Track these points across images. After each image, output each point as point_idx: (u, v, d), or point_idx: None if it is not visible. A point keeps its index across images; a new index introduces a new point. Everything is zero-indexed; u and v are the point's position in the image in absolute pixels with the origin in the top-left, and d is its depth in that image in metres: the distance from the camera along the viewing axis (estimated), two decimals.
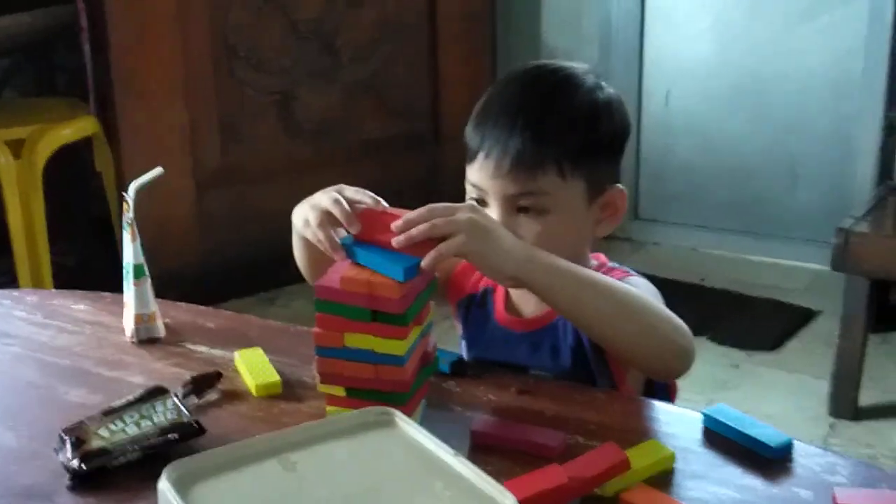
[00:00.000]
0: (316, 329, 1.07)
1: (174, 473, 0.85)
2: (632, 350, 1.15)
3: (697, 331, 2.99)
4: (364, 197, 1.16)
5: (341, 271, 1.06)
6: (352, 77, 3.56)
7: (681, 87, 3.81)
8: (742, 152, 3.73)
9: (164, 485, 0.84)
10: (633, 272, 1.31)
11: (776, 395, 2.73)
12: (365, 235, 1.11)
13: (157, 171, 1.35)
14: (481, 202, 1.24)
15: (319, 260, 1.20)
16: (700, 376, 2.74)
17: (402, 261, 1.05)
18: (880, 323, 2.84)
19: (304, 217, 1.17)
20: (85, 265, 3.19)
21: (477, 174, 1.24)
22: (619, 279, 1.24)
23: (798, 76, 3.58)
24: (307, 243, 1.22)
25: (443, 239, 1.07)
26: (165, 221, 3.13)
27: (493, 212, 1.21)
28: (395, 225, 1.08)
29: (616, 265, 1.33)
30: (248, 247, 3.31)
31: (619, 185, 1.29)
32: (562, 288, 1.13)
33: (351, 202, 1.14)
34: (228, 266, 3.30)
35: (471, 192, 1.26)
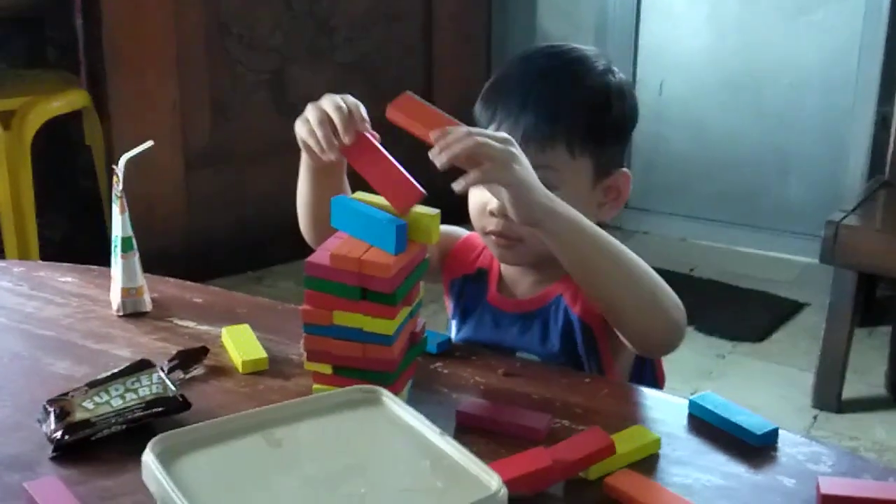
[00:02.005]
0: (304, 306, 1.06)
1: (159, 447, 0.85)
2: (632, 317, 1.16)
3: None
4: (362, 110, 1.14)
5: (332, 248, 1.06)
6: (345, 57, 3.55)
7: (675, 77, 3.81)
8: (734, 144, 3.73)
9: (148, 457, 0.83)
10: None
11: (761, 385, 2.74)
12: (354, 159, 1.11)
13: (148, 144, 1.34)
14: None
15: (319, 202, 1.22)
16: (685, 365, 2.75)
17: (391, 230, 1.04)
18: (867, 317, 2.85)
19: (304, 117, 1.15)
20: (72, 239, 3.17)
21: None
22: None
23: (792, 70, 3.58)
24: (312, 185, 1.24)
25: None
26: (154, 198, 3.12)
27: (502, 191, 1.21)
28: (434, 135, 1.06)
29: None
30: (236, 226, 3.31)
31: (624, 169, 1.29)
32: (580, 243, 1.12)
33: (351, 110, 1.12)
34: (216, 244, 3.29)
35: None
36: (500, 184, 1.07)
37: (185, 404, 1.07)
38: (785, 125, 3.63)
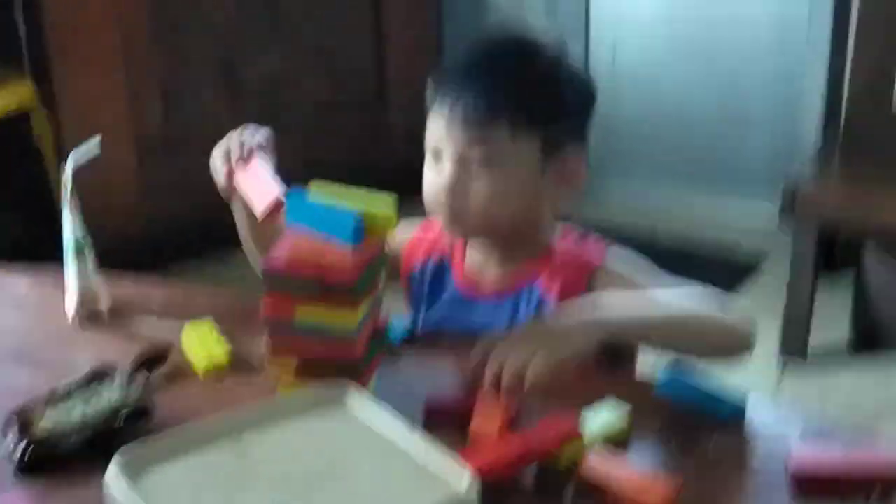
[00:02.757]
0: (264, 305, 1.05)
1: (123, 462, 0.83)
2: (711, 356, 1.20)
3: None
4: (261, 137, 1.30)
5: (288, 246, 1.04)
6: (296, 38, 3.50)
7: (627, 41, 3.80)
8: (689, 105, 3.74)
9: (110, 478, 0.82)
10: (601, 241, 1.32)
11: None
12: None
13: (95, 140, 1.31)
14: (437, 155, 1.24)
15: (262, 237, 1.32)
16: None
17: (348, 222, 1.04)
18: (831, 261, 2.89)
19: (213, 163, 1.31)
20: (28, 235, 3.12)
21: (432, 125, 1.25)
22: (601, 262, 1.28)
23: (745, 23, 3.58)
24: (249, 225, 1.35)
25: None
26: (108, 190, 3.07)
27: (447, 166, 1.22)
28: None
29: (581, 231, 1.33)
30: (193, 213, 3.26)
31: (579, 152, 1.28)
32: (635, 332, 1.18)
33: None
34: (175, 231, 3.25)
35: (428, 149, 1.27)
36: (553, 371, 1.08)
37: (147, 410, 1.05)
38: (739, 80, 3.64)
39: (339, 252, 1.02)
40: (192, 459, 0.85)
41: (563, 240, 1.31)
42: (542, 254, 1.29)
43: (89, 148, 1.30)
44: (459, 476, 0.80)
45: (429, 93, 1.27)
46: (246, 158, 1.27)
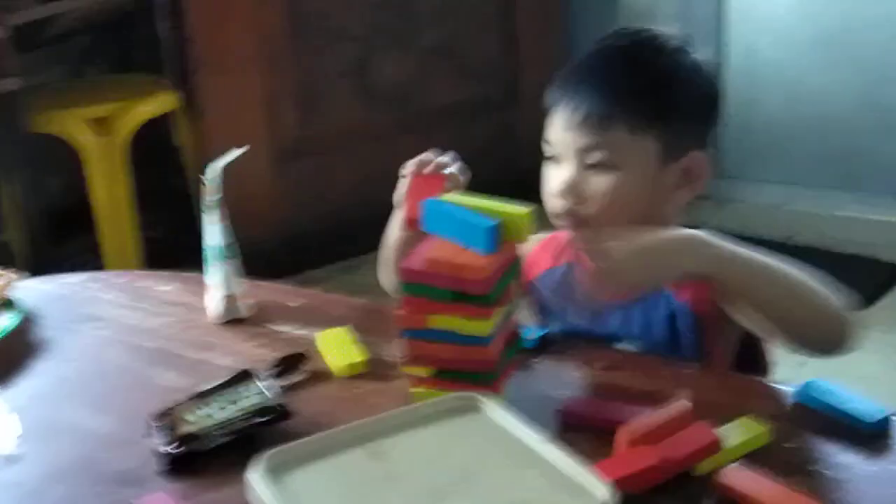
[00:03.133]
0: (399, 311, 1.06)
1: (265, 464, 0.85)
2: (801, 333, 1.16)
3: None
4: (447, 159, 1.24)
5: (425, 253, 1.05)
6: (427, 41, 3.54)
7: (766, 37, 3.71)
8: (831, 104, 3.62)
9: (253, 477, 0.84)
10: None
11: (870, 355, 2.65)
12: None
13: (239, 150, 1.35)
14: (557, 157, 1.25)
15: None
16: None
17: (484, 231, 1.04)
18: None
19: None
20: (172, 238, 3.23)
21: (551, 129, 1.26)
22: None
23: (891, 21, 3.45)
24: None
25: None
26: (245, 193, 3.14)
27: (566, 168, 1.23)
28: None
29: None
30: (327, 216, 3.33)
31: (702, 151, 1.26)
32: (731, 277, 1.14)
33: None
34: (308, 236, 3.32)
35: (547, 151, 1.27)
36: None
37: (285, 413, 1.08)
38: (885, 80, 3.51)
39: (474, 259, 1.03)
40: (331, 463, 0.87)
41: None
42: None
43: (233, 157, 1.33)
44: (598, 487, 0.80)
45: (550, 94, 1.27)
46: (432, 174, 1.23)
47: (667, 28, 1.31)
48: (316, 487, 0.84)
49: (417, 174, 1.22)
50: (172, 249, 2.68)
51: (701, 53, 1.29)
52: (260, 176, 3.23)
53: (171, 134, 3.11)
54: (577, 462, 0.83)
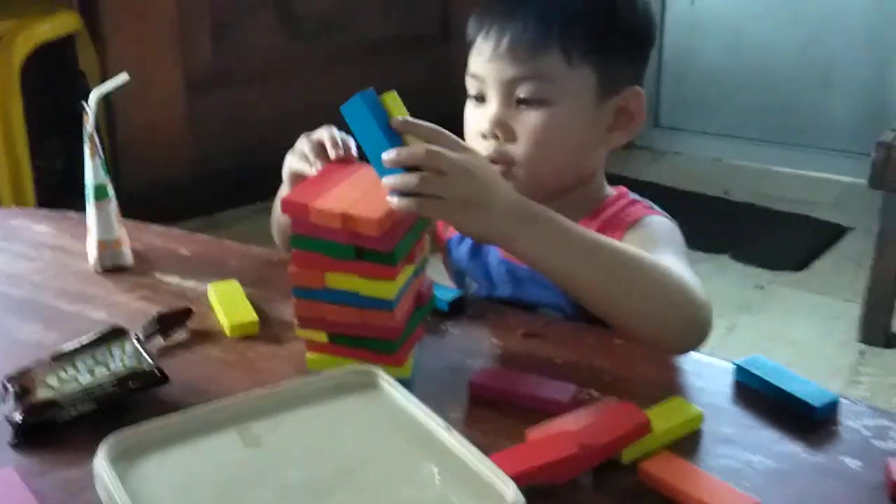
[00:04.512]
0: (292, 267, 0.93)
1: (113, 447, 0.72)
2: (631, 326, 1.00)
3: (720, 248, 2.90)
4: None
5: (314, 193, 0.92)
6: None
7: None
8: (771, 55, 3.54)
9: (99, 462, 0.71)
10: (655, 208, 1.18)
11: (803, 318, 2.59)
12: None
13: (122, 77, 1.20)
14: (480, 97, 1.12)
15: None
16: (722, 298, 2.61)
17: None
18: None
19: (296, 148, 1.07)
20: (72, 168, 3.05)
21: (475, 59, 1.13)
22: (640, 218, 1.12)
23: None
24: None
25: None
26: (154, 127, 2.99)
27: (492, 104, 1.10)
28: (386, 157, 0.91)
29: (637, 198, 1.20)
30: (242, 153, 3.16)
31: (637, 87, 1.15)
32: (549, 255, 0.97)
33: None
34: (222, 174, 3.16)
35: (470, 88, 1.14)
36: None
37: (162, 378, 0.95)
38: (826, 33, 3.43)
39: (370, 212, 0.89)
40: (195, 448, 0.74)
41: (615, 201, 1.18)
42: (592, 216, 1.15)
43: (115, 85, 1.19)
44: (506, 486, 0.68)
45: (471, 24, 1.14)
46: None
47: None
48: (170, 477, 0.71)
49: (325, 159, 1.03)
50: (72, 181, 2.51)
51: None
52: (172, 108, 3.05)
53: (73, 59, 2.91)
54: (482, 456, 0.71)
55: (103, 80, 2.74)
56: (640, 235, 1.10)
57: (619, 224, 1.13)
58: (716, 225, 3.04)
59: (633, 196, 1.20)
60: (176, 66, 3.02)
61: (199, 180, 3.10)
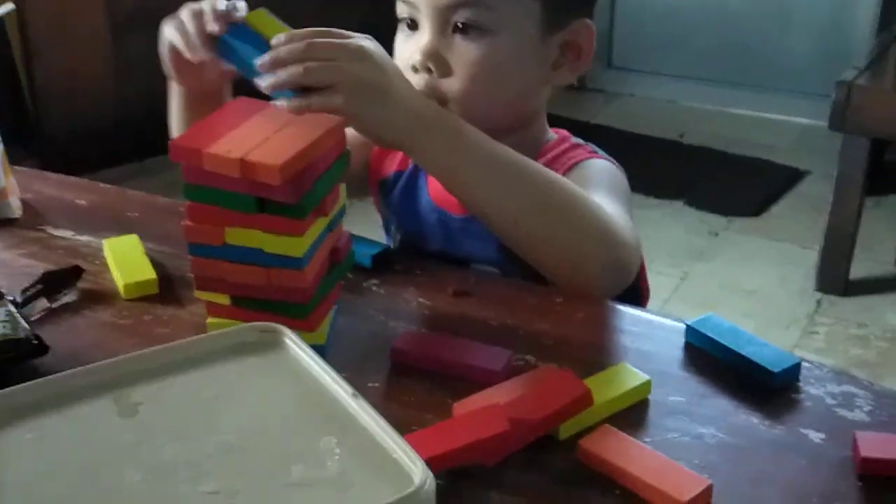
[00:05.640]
0: (186, 222, 0.82)
1: None
2: (542, 258, 0.93)
3: (675, 193, 2.82)
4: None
5: (207, 137, 0.80)
6: None
7: None
8: None
9: None
10: (599, 152, 1.08)
11: (759, 266, 2.52)
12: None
13: (7, 7, 1.07)
14: (412, 23, 1.02)
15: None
16: (675, 244, 2.53)
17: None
18: (874, 185, 2.61)
19: (173, 17, 0.96)
20: None
21: None
22: (580, 161, 1.03)
23: None
24: (187, 116, 1.08)
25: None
26: (77, 68, 2.84)
27: (425, 32, 1.00)
28: (260, 62, 0.83)
29: (580, 142, 1.10)
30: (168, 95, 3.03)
31: (586, 20, 1.04)
32: (457, 167, 0.90)
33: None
34: (149, 118, 3.00)
35: (401, 12, 1.03)
36: (333, 114, 0.84)
37: (40, 348, 0.84)
38: None
39: (272, 157, 0.77)
40: (62, 418, 0.64)
41: (557, 145, 1.08)
42: (534, 158, 1.05)
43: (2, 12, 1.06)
44: (412, 462, 0.58)
45: None
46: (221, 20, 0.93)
47: None
48: (32, 454, 0.60)
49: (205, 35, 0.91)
50: None
51: None
52: (94, 49, 2.89)
53: None
54: (390, 429, 0.61)
55: (21, 21, 2.59)
56: (577, 178, 1.01)
57: (559, 169, 1.03)
58: (670, 169, 2.97)
59: (576, 140, 1.10)
60: (97, 5, 2.85)
61: (126, 125, 2.97)
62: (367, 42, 0.86)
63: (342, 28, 0.88)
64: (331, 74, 0.82)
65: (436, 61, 1.00)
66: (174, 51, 0.96)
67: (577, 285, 0.94)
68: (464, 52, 0.99)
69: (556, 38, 1.03)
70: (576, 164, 1.04)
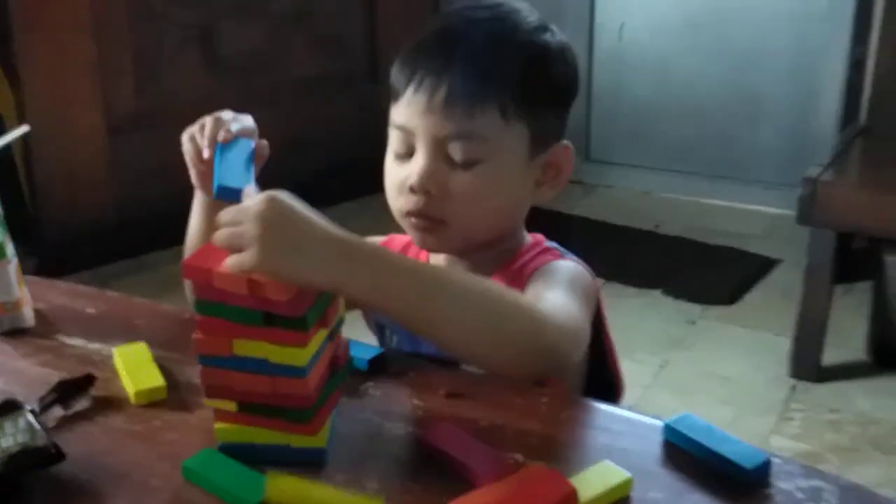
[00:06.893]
0: (197, 335, 0.88)
1: None
2: (478, 357, 0.98)
3: (652, 282, 2.89)
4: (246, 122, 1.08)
5: (216, 256, 0.86)
6: (279, 8, 3.30)
7: (635, 19, 3.63)
8: (699, 89, 3.56)
9: None
10: (568, 255, 1.14)
11: (734, 354, 2.58)
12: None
13: (23, 129, 1.14)
14: (408, 150, 1.07)
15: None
16: (654, 334, 2.59)
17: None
18: (843, 273, 2.68)
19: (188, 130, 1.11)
20: None
21: (404, 112, 1.07)
22: (545, 263, 1.09)
23: (760, 7, 3.40)
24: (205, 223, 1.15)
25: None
26: (75, 169, 2.90)
27: (419, 157, 1.06)
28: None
29: (553, 246, 1.16)
30: (166, 196, 3.09)
31: (565, 142, 1.12)
32: (387, 285, 0.90)
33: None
34: (147, 216, 3.07)
35: (395, 140, 1.09)
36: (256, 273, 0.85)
37: (57, 455, 0.88)
38: (753, 66, 3.46)
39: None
40: None
41: (529, 250, 1.14)
42: (504, 268, 1.12)
43: (14, 137, 1.13)
44: None
45: (396, 72, 1.09)
46: (224, 142, 1.04)
47: (518, 3, 1.14)
48: None
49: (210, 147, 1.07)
50: None
51: (572, 34, 1.14)
52: (93, 151, 2.96)
53: None
54: None
55: (20, 121, 2.66)
56: (538, 279, 1.07)
57: (527, 271, 1.10)
58: (647, 259, 3.04)
59: (549, 244, 1.16)
60: (96, 107, 2.94)
61: (123, 223, 3.02)
62: (271, 202, 0.86)
63: None
64: (238, 240, 0.84)
65: (435, 186, 1.06)
66: (192, 154, 1.09)
67: (496, 368, 0.98)
68: (459, 179, 1.06)
69: (540, 160, 1.10)
70: (541, 265, 1.09)
